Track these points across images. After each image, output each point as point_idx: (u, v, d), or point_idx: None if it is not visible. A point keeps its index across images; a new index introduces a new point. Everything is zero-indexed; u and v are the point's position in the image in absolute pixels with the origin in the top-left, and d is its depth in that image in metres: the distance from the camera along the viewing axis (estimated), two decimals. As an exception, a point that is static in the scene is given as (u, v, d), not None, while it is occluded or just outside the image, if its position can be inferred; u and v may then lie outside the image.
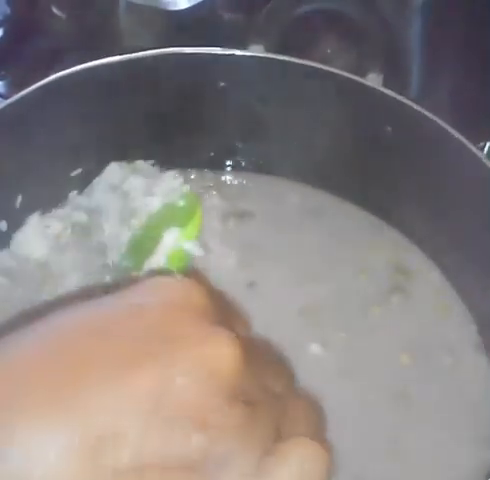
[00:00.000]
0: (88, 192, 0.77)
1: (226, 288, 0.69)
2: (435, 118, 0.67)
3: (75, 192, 0.77)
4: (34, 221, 0.75)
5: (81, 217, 0.75)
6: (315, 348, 0.69)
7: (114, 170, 0.77)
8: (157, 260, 0.69)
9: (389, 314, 0.71)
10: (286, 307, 0.71)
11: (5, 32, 0.92)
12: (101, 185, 0.77)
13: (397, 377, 0.67)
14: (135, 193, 0.75)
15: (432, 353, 0.69)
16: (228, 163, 0.81)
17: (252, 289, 0.72)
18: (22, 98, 0.69)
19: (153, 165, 0.78)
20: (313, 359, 0.68)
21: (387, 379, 0.67)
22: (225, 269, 0.74)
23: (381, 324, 0.71)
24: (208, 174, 0.81)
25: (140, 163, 0.78)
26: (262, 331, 0.54)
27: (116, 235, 0.73)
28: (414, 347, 0.69)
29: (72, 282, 0.72)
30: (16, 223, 0.75)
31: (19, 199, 0.74)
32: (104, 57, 0.71)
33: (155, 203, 0.73)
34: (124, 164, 0.77)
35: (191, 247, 0.70)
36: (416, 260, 0.75)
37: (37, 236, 0.74)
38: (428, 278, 0.74)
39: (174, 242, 0.69)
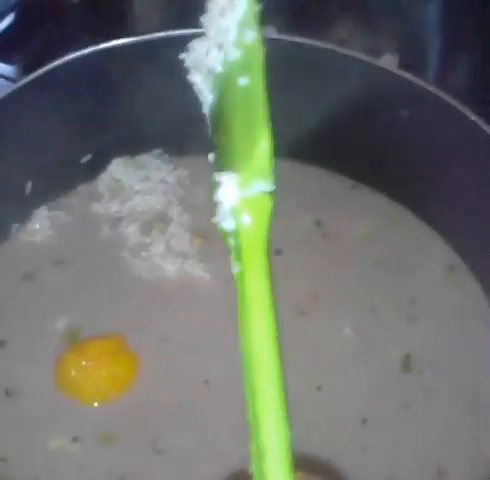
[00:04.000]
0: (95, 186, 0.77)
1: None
2: (451, 100, 0.66)
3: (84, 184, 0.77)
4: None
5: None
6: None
7: (118, 166, 0.77)
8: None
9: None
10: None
11: (17, 17, 0.92)
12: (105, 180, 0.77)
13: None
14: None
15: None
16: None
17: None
18: (31, 81, 0.69)
19: (161, 154, 0.78)
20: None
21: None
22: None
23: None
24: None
25: (143, 157, 0.78)
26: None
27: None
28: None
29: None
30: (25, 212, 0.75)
31: (29, 185, 0.73)
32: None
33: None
34: (128, 159, 0.77)
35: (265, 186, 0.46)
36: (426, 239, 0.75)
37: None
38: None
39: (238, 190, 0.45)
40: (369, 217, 0.76)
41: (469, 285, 0.72)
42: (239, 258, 0.44)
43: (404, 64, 0.76)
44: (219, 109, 0.49)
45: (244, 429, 0.61)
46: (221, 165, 0.47)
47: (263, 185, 0.45)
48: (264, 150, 0.45)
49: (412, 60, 0.80)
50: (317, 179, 0.79)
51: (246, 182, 0.45)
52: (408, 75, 0.68)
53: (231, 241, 0.45)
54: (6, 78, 0.85)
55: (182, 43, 0.69)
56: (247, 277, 0.43)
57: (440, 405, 0.64)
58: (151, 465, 0.61)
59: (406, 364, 0.66)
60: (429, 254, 0.74)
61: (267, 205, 0.45)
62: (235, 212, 0.44)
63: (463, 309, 0.70)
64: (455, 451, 0.62)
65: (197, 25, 0.69)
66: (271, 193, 0.45)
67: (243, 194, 0.45)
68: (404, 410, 0.64)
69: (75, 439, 0.62)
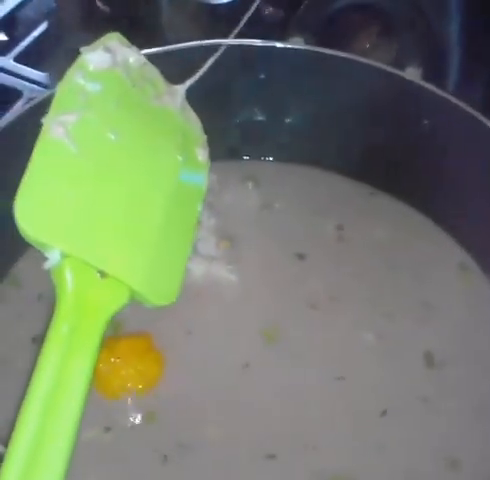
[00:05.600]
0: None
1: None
2: (474, 112, 0.68)
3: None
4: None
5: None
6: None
7: None
8: None
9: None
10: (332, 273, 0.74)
11: (49, 25, 0.94)
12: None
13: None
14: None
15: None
16: (265, 154, 0.82)
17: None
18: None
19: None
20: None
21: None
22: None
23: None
24: (245, 165, 0.81)
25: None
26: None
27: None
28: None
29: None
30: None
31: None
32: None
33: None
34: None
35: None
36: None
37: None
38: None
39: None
40: (386, 222, 0.78)
41: (482, 285, 0.73)
42: None
43: (427, 77, 0.78)
44: None
45: (269, 422, 0.64)
46: None
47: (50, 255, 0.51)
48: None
49: (434, 73, 0.81)
50: (337, 186, 0.80)
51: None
52: (430, 86, 0.69)
53: None
54: (39, 84, 0.87)
55: (214, 52, 0.72)
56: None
57: (458, 400, 0.65)
58: (183, 458, 0.62)
59: (427, 361, 0.68)
60: (443, 256, 0.75)
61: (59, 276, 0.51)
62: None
63: (477, 308, 0.72)
64: (469, 444, 0.63)
65: (227, 35, 0.72)
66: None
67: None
68: (423, 404, 0.65)
69: (107, 429, 0.63)
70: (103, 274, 0.53)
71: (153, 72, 0.64)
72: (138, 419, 0.64)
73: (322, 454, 0.62)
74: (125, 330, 0.68)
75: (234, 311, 0.71)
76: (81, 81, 0.58)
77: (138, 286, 0.54)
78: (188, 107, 0.66)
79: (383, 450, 0.62)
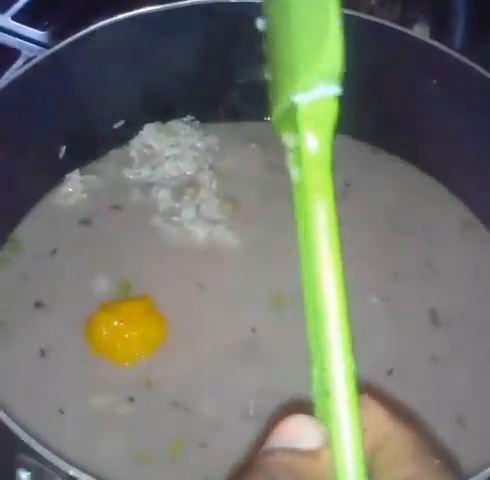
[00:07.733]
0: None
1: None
2: (481, 69, 0.67)
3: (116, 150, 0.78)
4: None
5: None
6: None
7: (150, 131, 0.77)
8: None
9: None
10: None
11: (47, -18, 0.92)
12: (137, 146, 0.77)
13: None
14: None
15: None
16: (268, 114, 0.80)
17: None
18: (65, 47, 0.69)
19: (192, 120, 0.79)
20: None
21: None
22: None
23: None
24: (248, 126, 0.80)
25: (175, 123, 0.78)
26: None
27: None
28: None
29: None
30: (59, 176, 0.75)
31: (63, 149, 0.74)
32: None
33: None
34: (159, 125, 0.77)
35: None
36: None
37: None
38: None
39: None
40: (390, 181, 0.77)
41: (485, 242, 0.74)
42: (299, 164, 0.37)
43: (434, 34, 0.77)
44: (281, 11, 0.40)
45: (276, 388, 0.63)
46: (277, 82, 0.40)
47: (328, 88, 0.37)
48: (331, 46, 0.36)
49: (442, 31, 0.80)
50: (339, 144, 0.79)
51: (307, 85, 0.37)
52: (437, 44, 0.68)
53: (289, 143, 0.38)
54: (37, 43, 0.86)
55: (212, 10, 0.71)
56: (309, 198, 0.36)
57: (463, 357, 0.66)
58: (196, 421, 0.62)
59: (433, 319, 0.68)
60: (446, 215, 0.75)
61: (333, 112, 0.37)
62: (297, 121, 0.36)
63: (481, 265, 0.72)
64: (475, 401, 0.63)
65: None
66: (337, 99, 0.38)
67: (304, 99, 0.37)
68: (430, 361, 0.66)
69: (119, 397, 0.63)
70: None
71: None
72: (145, 383, 0.64)
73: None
74: (131, 293, 0.68)
75: (238, 275, 0.70)
76: None
77: None
78: None
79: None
